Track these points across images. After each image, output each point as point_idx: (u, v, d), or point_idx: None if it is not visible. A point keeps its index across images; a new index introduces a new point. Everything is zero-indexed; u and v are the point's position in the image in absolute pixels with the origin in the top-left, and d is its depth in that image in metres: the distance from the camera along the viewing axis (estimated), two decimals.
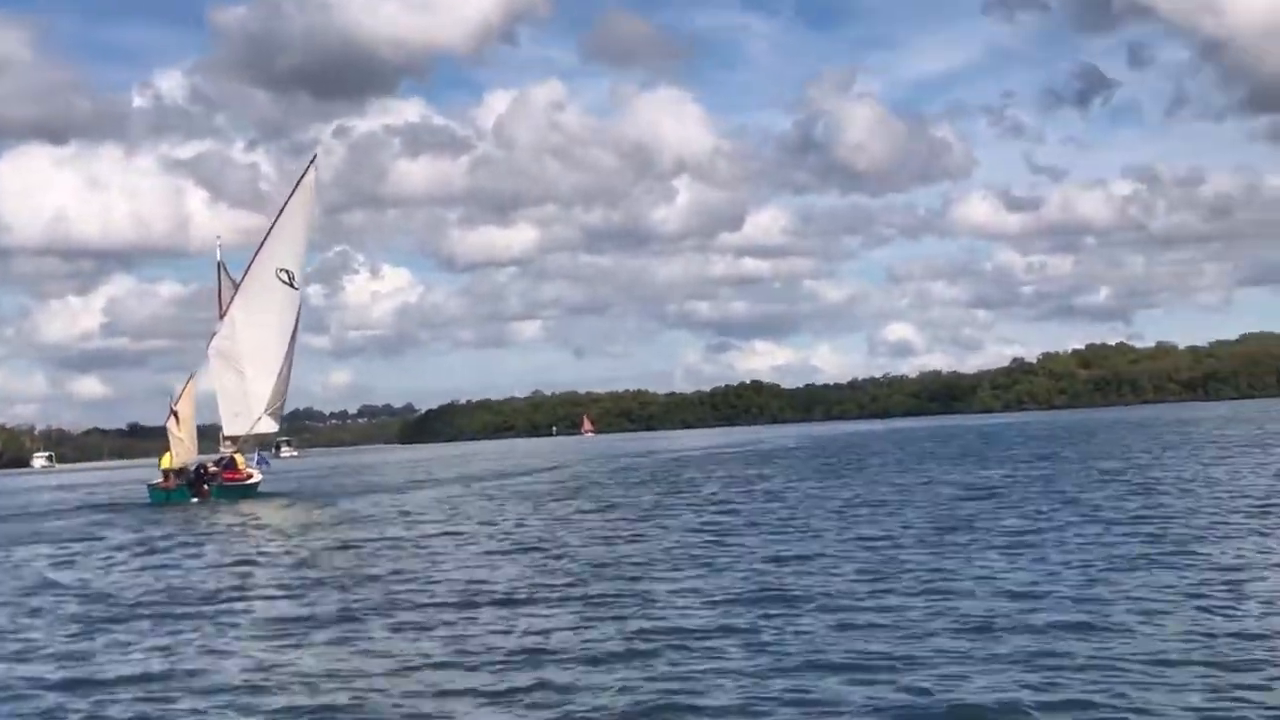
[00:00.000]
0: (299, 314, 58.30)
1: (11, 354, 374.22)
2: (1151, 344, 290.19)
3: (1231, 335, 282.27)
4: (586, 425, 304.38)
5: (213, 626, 17.71)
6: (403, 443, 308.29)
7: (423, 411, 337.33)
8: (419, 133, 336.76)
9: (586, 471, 68.45)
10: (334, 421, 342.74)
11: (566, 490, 50.29)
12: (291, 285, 57.84)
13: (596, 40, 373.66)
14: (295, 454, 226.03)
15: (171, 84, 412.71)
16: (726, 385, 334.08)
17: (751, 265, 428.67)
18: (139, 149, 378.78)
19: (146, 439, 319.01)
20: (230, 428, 57.60)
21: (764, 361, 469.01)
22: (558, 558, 23.66)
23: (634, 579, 19.98)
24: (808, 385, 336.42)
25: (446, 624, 16.70)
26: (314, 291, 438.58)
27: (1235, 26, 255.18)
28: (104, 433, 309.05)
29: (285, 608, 19.22)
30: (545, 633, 15.58)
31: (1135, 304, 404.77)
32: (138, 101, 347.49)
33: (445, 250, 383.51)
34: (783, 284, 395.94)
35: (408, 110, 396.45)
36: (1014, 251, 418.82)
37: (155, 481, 55.16)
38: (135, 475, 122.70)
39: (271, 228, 58.12)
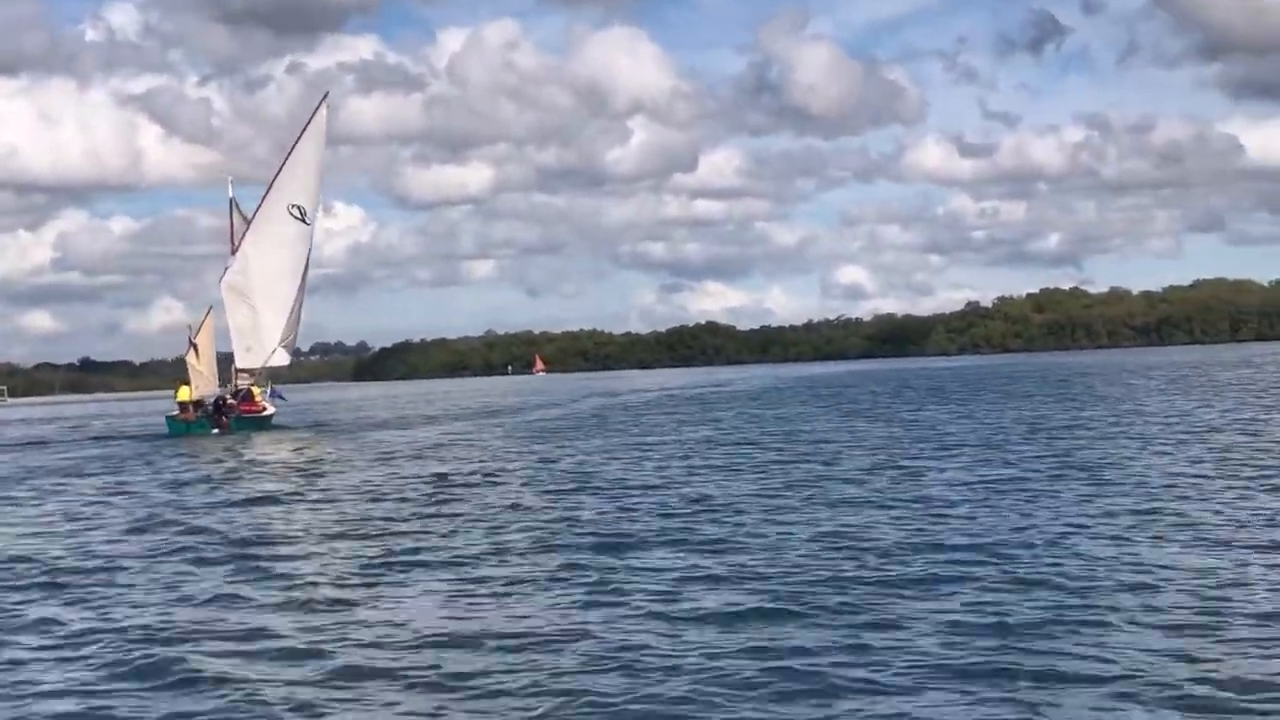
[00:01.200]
0: (310, 248, 59.84)
1: None
2: (1105, 289, 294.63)
3: (1183, 281, 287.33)
4: (539, 365, 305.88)
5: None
6: (356, 380, 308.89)
7: (376, 350, 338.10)
8: (372, 70, 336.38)
9: (587, 409, 70.32)
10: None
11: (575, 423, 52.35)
12: (304, 220, 59.28)
13: None
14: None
15: (124, 18, 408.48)
16: (681, 326, 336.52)
17: (705, 207, 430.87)
18: (91, 83, 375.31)
19: (98, 374, 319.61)
20: (243, 361, 59.05)
21: (716, 303, 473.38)
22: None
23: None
24: (763, 327, 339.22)
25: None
26: None
27: None
28: (55, 367, 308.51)
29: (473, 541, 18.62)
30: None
31: (1087, 250, 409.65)
32: (90, 35, 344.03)
33: (399, 189, 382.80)
34: (736, 226, 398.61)
35: (360, 47, 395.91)
36: (967, 197, 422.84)
37: (173, 413, 56.62)
38: (104, 409, 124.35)
39: (283, 164, 59.45)
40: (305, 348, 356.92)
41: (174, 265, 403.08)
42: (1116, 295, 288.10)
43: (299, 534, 20.31)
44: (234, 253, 59.26)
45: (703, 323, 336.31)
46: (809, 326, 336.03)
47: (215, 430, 54.72)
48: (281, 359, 60.03)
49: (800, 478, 25.47)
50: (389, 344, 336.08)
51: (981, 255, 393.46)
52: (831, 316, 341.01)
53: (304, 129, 59.65)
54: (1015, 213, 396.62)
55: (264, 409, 58.25)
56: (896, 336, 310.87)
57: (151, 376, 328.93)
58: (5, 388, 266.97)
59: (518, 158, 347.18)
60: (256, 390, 58.40)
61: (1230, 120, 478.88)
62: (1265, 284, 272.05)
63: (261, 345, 59.06)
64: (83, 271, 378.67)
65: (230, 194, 60.08)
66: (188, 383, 57.30)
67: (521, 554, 17.02)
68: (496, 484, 27.00)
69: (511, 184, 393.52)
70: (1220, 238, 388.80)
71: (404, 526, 20.42)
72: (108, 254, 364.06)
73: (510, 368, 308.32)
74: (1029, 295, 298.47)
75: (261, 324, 59.06)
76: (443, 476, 29.13)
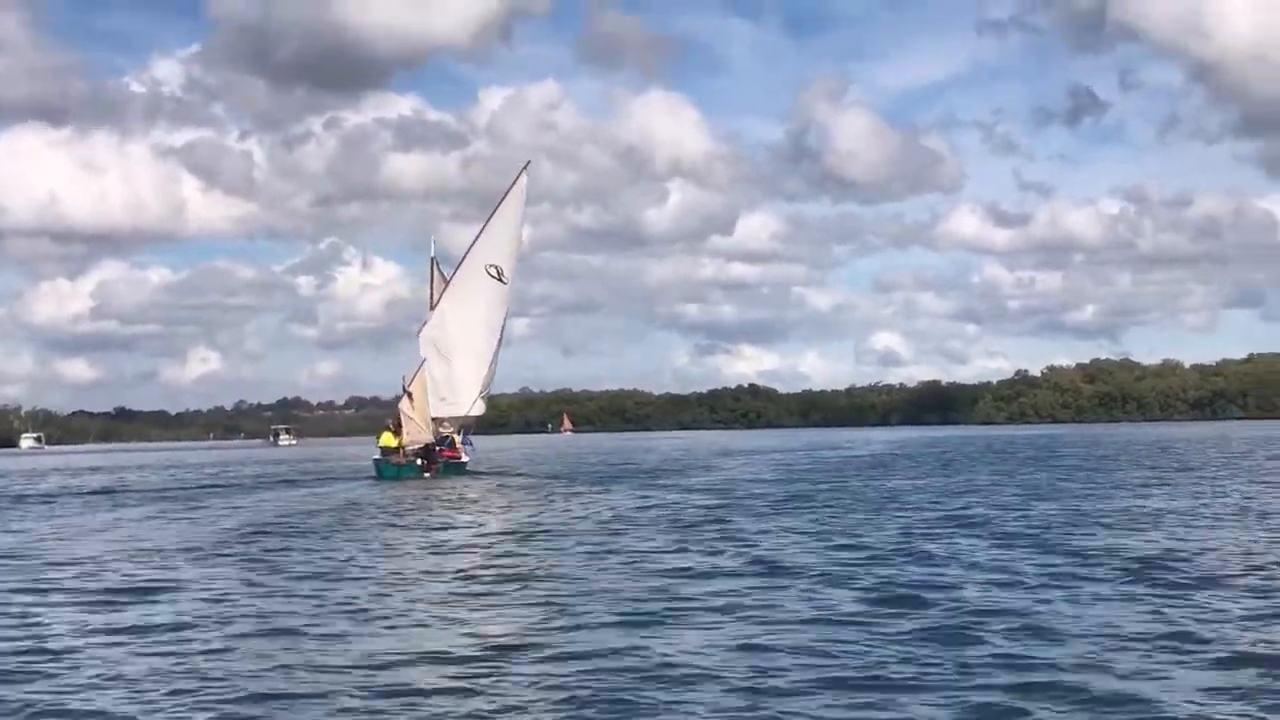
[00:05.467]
0: (508, 306, 65.94)
1: (0, 334, 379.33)
2: (1157, 361, 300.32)
3: (1228, 355, 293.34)
4: (566, 424, 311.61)
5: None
6: None
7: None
8: (412, 126, 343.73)
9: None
10: (321, 411, 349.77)
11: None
12: (500, 280, 65.29)
13: (589, 40, 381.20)
14: (294, 441, 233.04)
15: (168, 71, 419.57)
16: (723, 387, 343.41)
17: (741, 270, 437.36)
18: (134, 134, 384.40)
19: (133, 422, 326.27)
20: (437, 410, 64.63)
21: (751, 366, 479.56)
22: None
23: None
24: (805, 390, 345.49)
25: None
26: (304, 282, 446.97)
27: (1224, 50, 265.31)
28: (91, 415, 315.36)
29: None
30: None
31: (1122, 322, 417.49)
32: (135, 87, 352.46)
33: (437, 245, 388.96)
34: (771, 289, 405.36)
35: (402, 105, 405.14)
36: (1001, 266, 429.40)
37: (380, 458, 62.38)
38: (178, 457, 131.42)
39: (484, 227, 65.50)
40: (340, 400, 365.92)
41: (210, 316, 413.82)
42: (1169, 367, 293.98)
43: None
44: (432, 308, 65.23)
45: (744, 385, 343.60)
46: (850, 391, 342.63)
47: (426, 474, 60.48)
48: (479, 409, 65.79)
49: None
50: None
51: (1015, 325, 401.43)
52: (864, 383, 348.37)
53: (506, 193, 65.63)
54: (1050, 283, 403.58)
55: (462, 455, 64.15)
56: (941, 403, 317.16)
57: (187, 426, 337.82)
58: (41, 434, 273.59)
59: (556, 217, 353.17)
60: (457, 438, 64.28)
61: (1268, 196, 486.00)
62: None
63: (455, 396, 64.77)
64: (120, 320, 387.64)
65: (432, 253, 66.47)
66: (390, 429, 63.34)
67: None
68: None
69: (549, 243, 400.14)
70: (1257, 313, 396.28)
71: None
72: (145, 304, 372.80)
73: (550, 425, 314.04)
74: (1079, 365, 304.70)
75: (455, 376, 64.77)
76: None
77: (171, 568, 23.89)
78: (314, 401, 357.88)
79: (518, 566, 22.56)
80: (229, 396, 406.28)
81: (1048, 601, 17.10)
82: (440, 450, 62.89)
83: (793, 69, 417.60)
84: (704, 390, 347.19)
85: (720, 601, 17.74)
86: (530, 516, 34.71)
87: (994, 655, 13.63)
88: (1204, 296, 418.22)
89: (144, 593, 20.29)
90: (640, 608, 17.29)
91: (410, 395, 62.43)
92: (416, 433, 62.50)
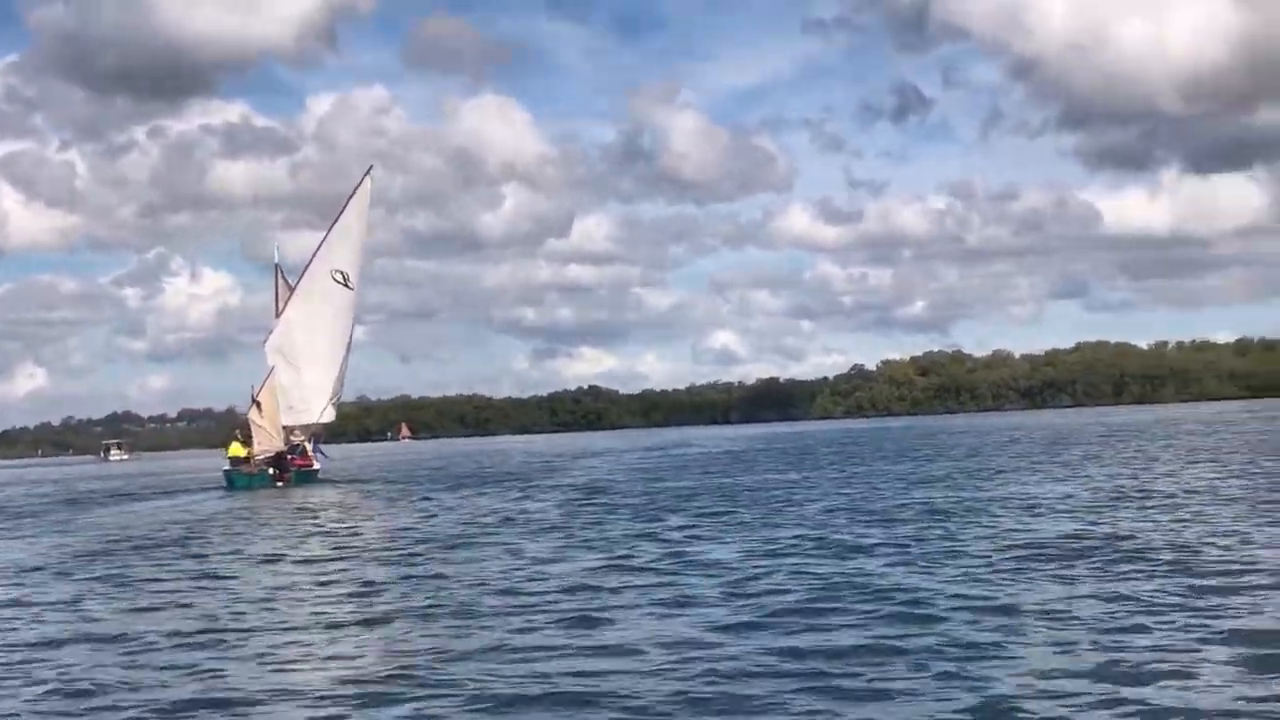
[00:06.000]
0: (355, 312, 65.96)
1: None
2: (987, 352, 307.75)
3: (1046, 347, 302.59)
4: (404, 431, 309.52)
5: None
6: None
7: (245, 416, 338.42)
8: (239, 133, 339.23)
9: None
10: (153, 425, 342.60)
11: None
12: (347, 285, 65.25)
13: (417, 44, 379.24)
14: (126, 456, 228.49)
15: None
16: (563, 390, 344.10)
17: (578, 272, 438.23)
18: None
19: None
20: (286, 419, 64.41)
21: (590, 368, 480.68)
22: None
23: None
24: (645, 391, 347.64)
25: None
26: (131, 294, 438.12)
27: (1043, 47, 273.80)
28: None
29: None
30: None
31: (952, 315, 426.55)
32: None
33: (267, 254, 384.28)
34: (608, 291, 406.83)
35: (228, 111, 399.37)
36: (833, 263, 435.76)
37: (229, 468, 61.89)
38: (11, 475, 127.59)
39: (328, 233, 65.51)
40: (172, 413, 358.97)
41: (34, 331, 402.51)
42: (999, 358, 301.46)
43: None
44: (278, 316, 64.98)
45: (584, 387, 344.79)
46: (691, 390, 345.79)
47: (279, 484, 60.16)
48: (329, 416, 65.70)
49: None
50: None
51: (849, 320, 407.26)
52: (703, 381, 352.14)
53: (349, 198, 65.78)
54: (881, 279, 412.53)
55: (314, 464, 63.97)
56: (780, 400, 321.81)
57: (14, 443, 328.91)
58: None
59: (388, 224, 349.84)
60: (308, 446, 64.07)
61: (1088, 188, 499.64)
62: (1145, 347, 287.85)
63: (305, 403, 64.67)
64: None
65: (276, 260, 66.25)
66: (239, 439, 62.93)
67: None
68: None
69: (384, 250, 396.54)
70: (1081, 303, 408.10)
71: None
72: None
73: (389, 434, 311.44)
74: (912, 359, 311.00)
75: (304, 384, 64.66)
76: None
77: (15, 588, 22.97)
78: (145, 415, 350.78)
79: (413, 575, 21.92)
80: (57, 412, 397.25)
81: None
82: (292, 459, 62.64)
83: (623, 71, 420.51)
84: (544, 394, 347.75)
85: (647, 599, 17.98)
86: (408, 524, 34.21)
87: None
88: (1029, 288, 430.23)
89: None
90: (558, 610, 17.19)
91: (259, 404, 62.12)
92: (267, 441, 62.20)
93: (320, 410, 64.59)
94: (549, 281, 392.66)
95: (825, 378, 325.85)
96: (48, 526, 40.80)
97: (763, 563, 21.19)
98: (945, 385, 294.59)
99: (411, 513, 38.91)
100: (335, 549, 27.54)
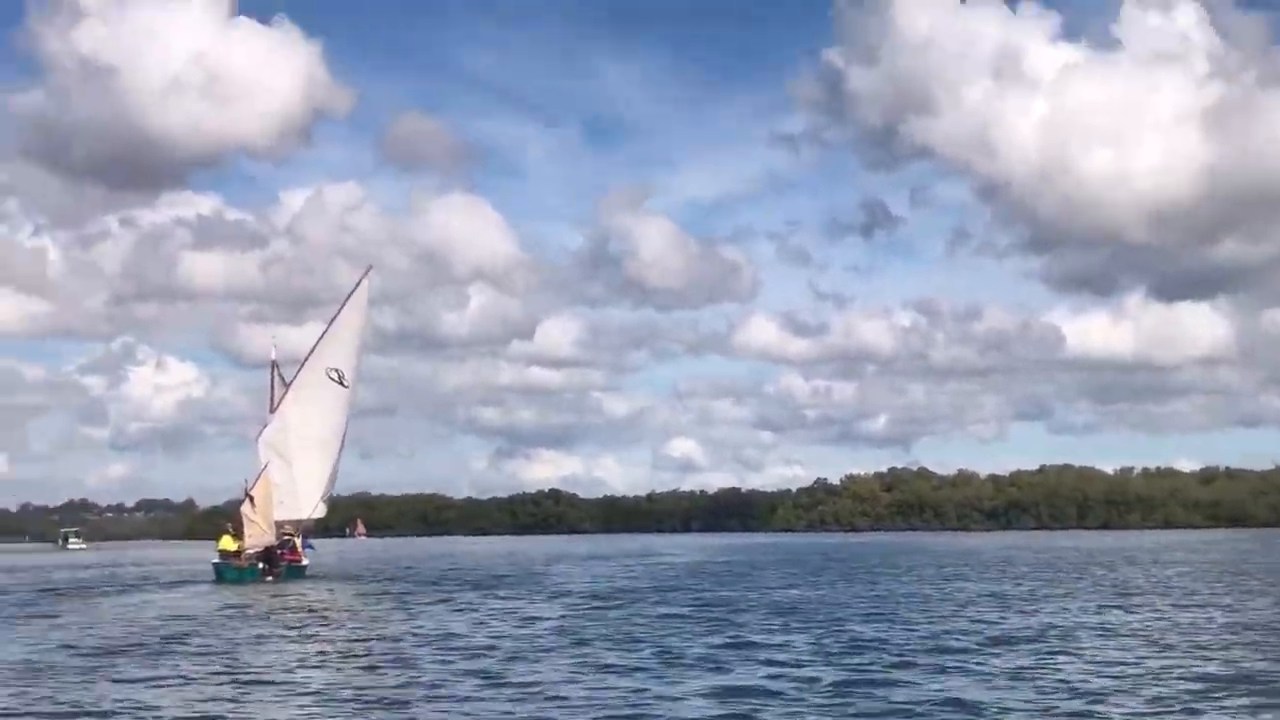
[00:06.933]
0: (349, 410, 66.65)
1: None
2: (951, 471, 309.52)
3: (1008, 467, 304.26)
4: (359, 529, 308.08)
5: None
6: (187, 539, 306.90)
7: (204, 509, 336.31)
8: (211, 226, 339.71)
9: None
10: (109, 514, 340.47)
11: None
12: (342, 384, 66.03)
13: (390, 142, 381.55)
14: (84, 545, 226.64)
15: None
16: (524, 493, 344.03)
17: (541, 374, 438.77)
18: None
19: None
20: (277, 513, 64.88)
21: (550, 470, 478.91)
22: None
23: None
24: (606, 496, 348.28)
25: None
26: (94, 383, 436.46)
27: (1010, 170, 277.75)
28: None
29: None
30: None
31: (914, 431, 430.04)
32: None
33: (234, 346, 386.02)
34: (571, 394, 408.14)
35: (200, 204, 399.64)
36: (797, 375, 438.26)
37: (220, 561, 62.18)
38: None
39: (326, 331, 66.39)
40: (130, 503, 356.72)
41: None
42: (964, 477, 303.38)
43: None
44: (272, 411, 65.65)
45: (545, 490, 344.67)
46: (651, 498, 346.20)
47: (269, 578, 60.52)
48: (321, 512, 66.34)
49: None
50: (219, 502, 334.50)
51: (810, 433, 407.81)
52: (662, 488, 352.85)
53: (348, 297, 66.79)
54: (845, 393, 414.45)
55: (302, 559, 64.42)
56: (740, 510, 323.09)
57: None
58: None
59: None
60: (298, 541, 64.56)
61: (1054, 311, 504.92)
62: (1110, 472, 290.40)
63: (295, 499, 65.12)
64: None
65: (272, 356, 67.02)
66: (229, 532, 63.40)
67: None
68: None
69: None
70: (1045, 425, 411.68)
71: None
72: None
73: (348, 530, 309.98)
74: (877, 474, 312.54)
75: (296, 479, 65.15)
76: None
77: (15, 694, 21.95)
78: (103, 504, 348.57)
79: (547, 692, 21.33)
80: (13, 498, 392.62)
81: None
82: (281, 553, 63.04)
83: (592, 176, 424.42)
84: (504, 495, 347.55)
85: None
86: (458, 630, 33.11)
87: None
88: (993, 408, 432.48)
89: None
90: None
91: (252, 499, 62.59)
92: (259, 535, 62.63)
93: (312, 506, 65.15)
94: (511, 383, 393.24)
95: (787, 489, 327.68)
96: (42, 620, 39.30)
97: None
98: (909, 502, 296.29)
99: (447, 617, 38.01)
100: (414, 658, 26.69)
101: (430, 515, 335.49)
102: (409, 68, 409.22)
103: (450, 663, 25.38)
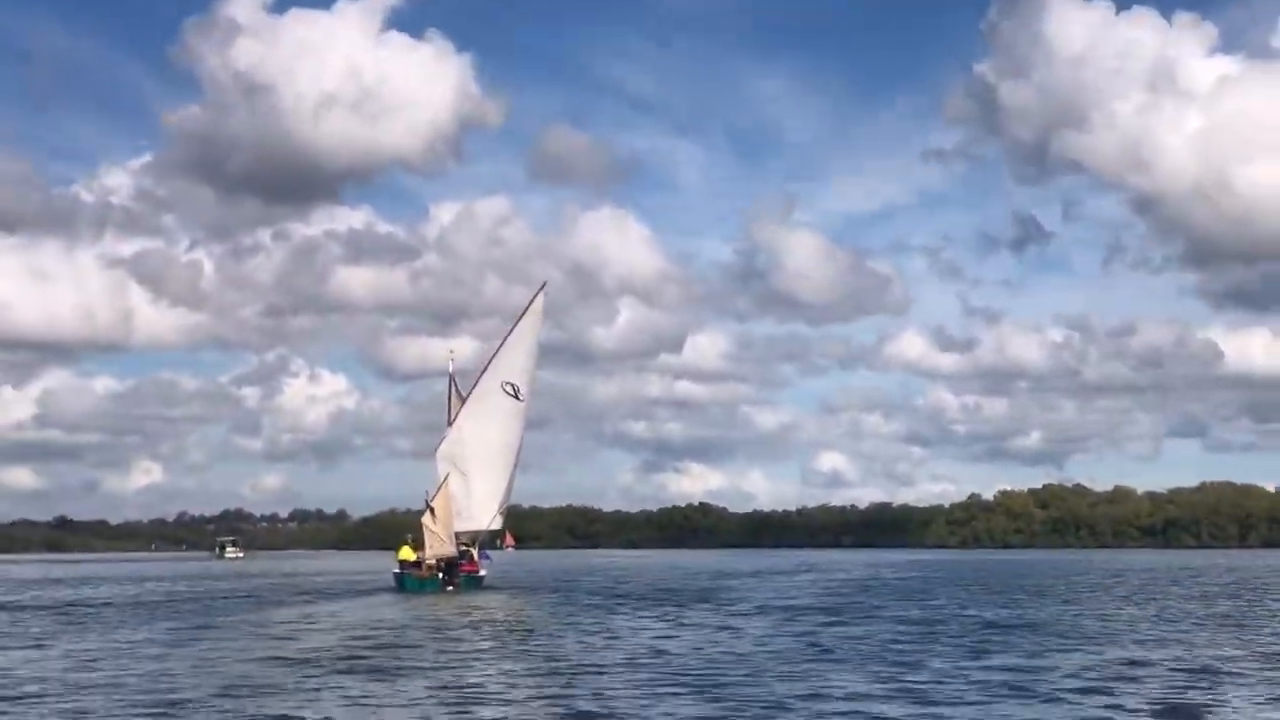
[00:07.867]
0: (523, 423, 68.05)
1: None
2: (1107, 487, 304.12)
3: (1162, 485, 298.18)
4: (509, 540, 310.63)
5: None
6: (337, 549, 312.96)
7: (356, 519, 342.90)
8: (361, 239, 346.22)
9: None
10: (264, 524, 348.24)
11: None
12: (517, 397, 67.45)
13: (540, 156, 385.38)
14: (240, 554, 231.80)
15: (118, 181, 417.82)
16: (673, 506, 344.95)
17: (689, 388, 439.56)
18: (83, 243, 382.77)
19: (76, 533, 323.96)
20: (456, 524, 66.55)
21: (697, 484, 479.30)
22: None
23: None
24: (754, 511, 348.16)
25: None
26: (250, 394, 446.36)
27: (1165, 184, 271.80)
28: (33, 524, 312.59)
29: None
30: None
31: (1067, 449, 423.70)
32: (85, 196, 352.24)
33: (384, 358, 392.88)
34: (719, 408, 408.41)
35: (352, 217, 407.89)
36: (947, 390, 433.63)
37: (402, 571, 63.98)
38: (138, 570, 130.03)
39: (501, 345, 68.00)
40: (284, 513, 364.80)
41: (154, 426, 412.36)
42: (1121, 494, 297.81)
43: None
44: (450, 424, 67.31)
45: (695, 504, 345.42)
46: (801, 512, 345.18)
47: (449, 588, 62.14)
48: (497, 524, 67.92)
49: None
50: (369, 513, 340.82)
51: (960, 449, 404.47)
52: (811, 503, 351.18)
53: (523, 312, 68.36)
54: (996, 408, 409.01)
55: (479, 569, 65.94)
56: (891, 526, 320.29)
57: (129, 537, 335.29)
58: None
59: (502, 333, 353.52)
60: (474, 552, 66.11)
61: (1210, 327, 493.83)
62: (1272, 489, 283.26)
63: (471, 510, 66.73)
64: (64, 429, 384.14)
65: (450, 370, 68.74)
66: (408, 543, 65.28)
67: None
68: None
69: None
70: (1201, 443, 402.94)
71: None
72: (89, 413, 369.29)
73: (499, 542, 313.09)
74: (1031, 490, 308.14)
75: (472, 491, 66.78)
76: None
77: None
78: (257, 514, 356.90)
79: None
80: (171, 507, 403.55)
81: None
82: (460, 564, 64.60)
83: (741, 191, 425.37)
84: (653, 508, 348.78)
85: None
86: (700, 644, 33.33)
87: None
88: (1148, 425, 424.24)
89: None
90: None
91: (433, 510, 64.24)
92: (439, 546, 64.30)
93: (490, 519, 66.65)
94: (659, 396, 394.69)
95: (939, 505, 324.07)
96: (249, 627, 41.57)
97: None
98: (1064, 519, 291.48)
99: (675, 630, 38.02)
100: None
101: (579, 528, 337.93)
102: (558, 80, 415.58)
103: (717, 679, 25.36)
